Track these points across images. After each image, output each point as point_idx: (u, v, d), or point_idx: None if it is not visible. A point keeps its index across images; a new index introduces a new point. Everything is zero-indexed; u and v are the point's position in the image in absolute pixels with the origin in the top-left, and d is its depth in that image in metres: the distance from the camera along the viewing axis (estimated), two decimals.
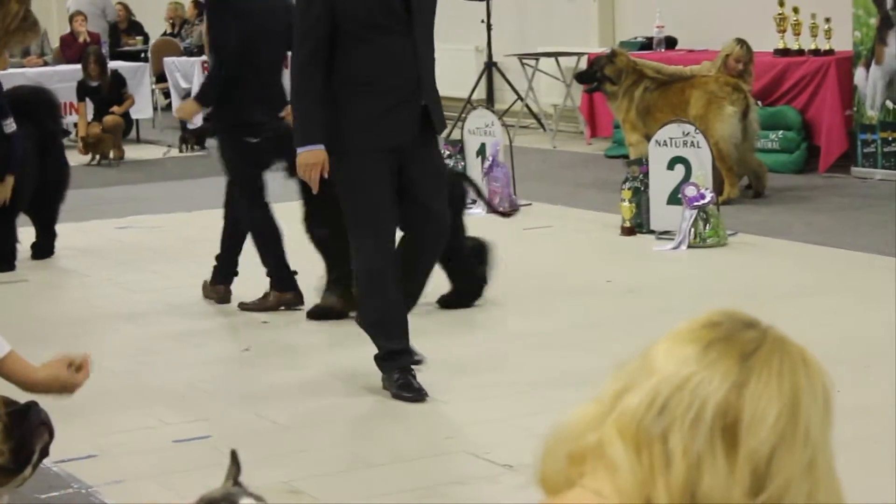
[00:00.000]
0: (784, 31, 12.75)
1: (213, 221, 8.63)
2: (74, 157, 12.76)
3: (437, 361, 6.48)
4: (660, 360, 1.73)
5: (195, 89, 13.12)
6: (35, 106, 9.88)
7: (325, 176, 6.13)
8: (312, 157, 6.12)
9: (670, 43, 14.12)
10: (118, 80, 15.20)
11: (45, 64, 16.68)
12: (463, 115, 13.15)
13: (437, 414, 6.09)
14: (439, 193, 6.33)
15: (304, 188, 6.96)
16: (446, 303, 7.80)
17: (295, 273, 7.89)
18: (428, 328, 7.05)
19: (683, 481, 1.65)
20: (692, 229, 9.39)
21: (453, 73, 14.24)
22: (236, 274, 8.12)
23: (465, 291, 7.85)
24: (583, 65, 13.97)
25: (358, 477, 5.41)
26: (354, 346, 6.74)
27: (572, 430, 1.76)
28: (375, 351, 6.24)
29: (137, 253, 9.83)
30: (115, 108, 14.93)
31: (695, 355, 1.71)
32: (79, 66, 15.25)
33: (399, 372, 6.18)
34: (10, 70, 14.27)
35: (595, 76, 11.82)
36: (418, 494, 5.18)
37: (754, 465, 1.65)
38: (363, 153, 6.11)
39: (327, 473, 5.43)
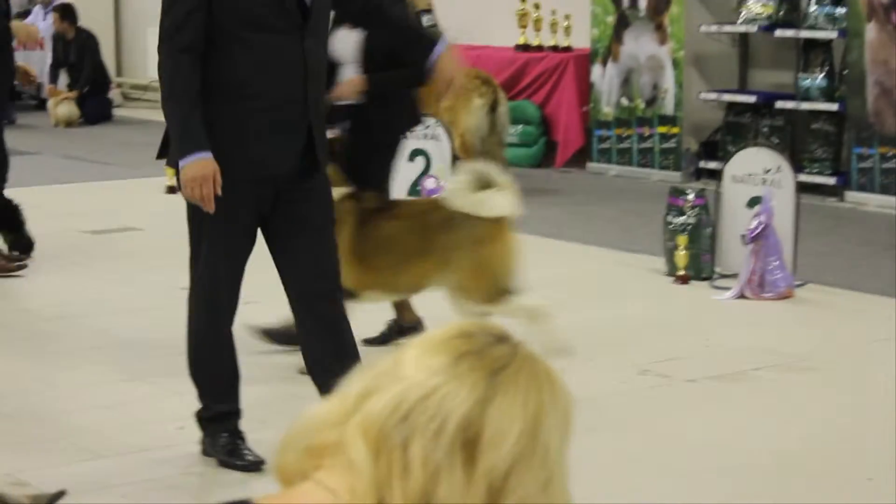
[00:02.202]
0: (525, 27, 12.99)
1: None
2: None
3: None
4: (410, 366, 1.72)
5: None
6: None
7: (219, 192, 4.97)
8: (201, 167, 4.94)
9: None
10: None
11: None
12: None
13: (165, 405, 6.00)
14: (326, 225, 5.31)
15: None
16: None
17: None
18: None
19: (420, 490, 1.65)
20: None
21: None
22: None
23: None
24: None
25: (86, 468, 5.30)
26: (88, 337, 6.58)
27: (314, 424, 1.75)
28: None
29: None
30: None
31: (445, 366, 1.70)
32: None
33: (228, 435, 5.30)
34: None
35: None
36: (148, 486, 5.11)
37: (491, 480, 1.66)
38: (231, 181, 4.99)
39: (53, 465, 5.31)
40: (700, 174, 12.03)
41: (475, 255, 6.03)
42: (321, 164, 5.22)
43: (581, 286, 8.21)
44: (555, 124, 12.74)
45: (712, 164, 11.67)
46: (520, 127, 12.60)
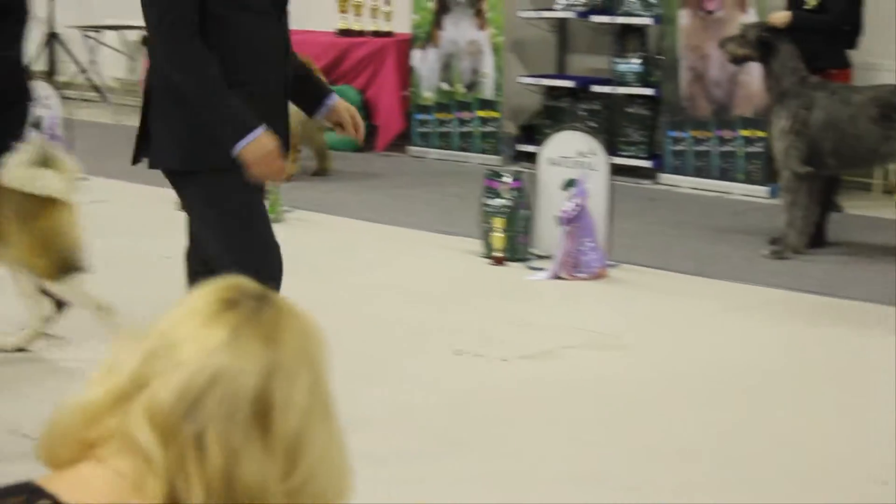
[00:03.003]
0: (346, 12, 12.99)
1: None
2: None
3: None
4: (186, 348, 1.70)
5: None
6: None
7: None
8: (261, 146, 4.74)
9: None
10: None
11: None
12: None
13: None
14: None
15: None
16: None
17: None
18: None
19: (221, 472, 1.65)
20: None
21: None
22: None
23: None
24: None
25: None
26: None
27: (87, 411, 1.72)
28: None
29: None
30: None
31: (223, 343, 1.70)
32: None
33: None
34: None
35: None
36: None
37: (287, 445, 1.67)
38: (236, 170, 4.78)
39: None
40: (519, 157, 12.18)
41: (29, 230, 6.05)
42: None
43: (400, 269, 8.27)
44: (375, 109, 12.77)
45: (531, 148, 11.79)
46: None
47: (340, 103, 5.22)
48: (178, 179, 5.01)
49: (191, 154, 4.88)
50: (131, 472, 1.67)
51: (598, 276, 8.00)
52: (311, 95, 5.23)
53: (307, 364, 1.72)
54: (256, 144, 4.72)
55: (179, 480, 1.65)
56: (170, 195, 9.72)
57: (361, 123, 5.24)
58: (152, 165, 5.03)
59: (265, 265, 4.83)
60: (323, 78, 5.25)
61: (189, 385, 1.67)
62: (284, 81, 5.00)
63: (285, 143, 4.94)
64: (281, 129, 4.92)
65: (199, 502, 1.64)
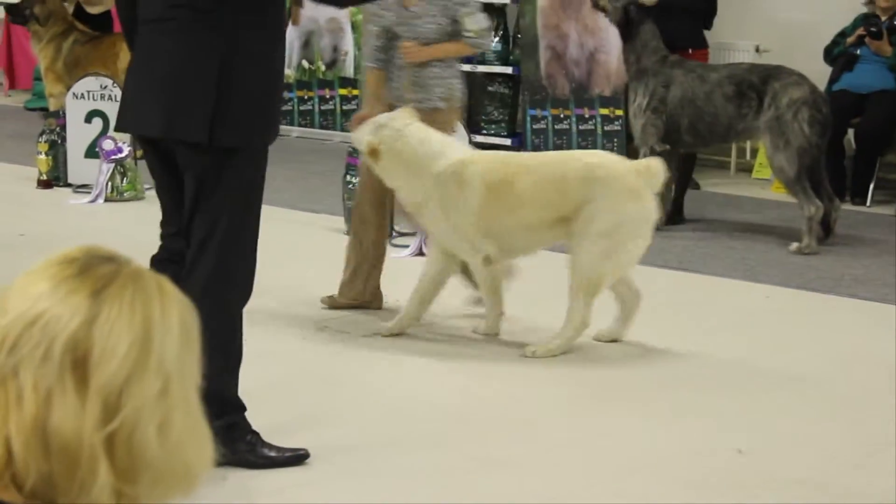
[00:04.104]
0: None
1: None
2: None
3: None
4: (14, 298, 1.73)
5: None
6: None
7: None
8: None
9: None
10: None
11: None
12: None
13: None
14: None
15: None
16: None
17: None
18: None
19: (33, 416, 1.66)
20: (109, 183, 9.38)
21: None
22: None
23: None
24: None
25: None
26: None
27: None
28: None
29: None
30: None
31: (47, 292, 1.72)
32: None
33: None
34: None
35: (24, 13, 11.68)
36: None
37: (106, 396, 1.68)
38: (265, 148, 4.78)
39: None
40: None
41: None
42: None
43: (262, 246, 8.21)
44: None
45: None
46: None
47: None
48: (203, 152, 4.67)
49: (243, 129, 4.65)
50: None
51: None
52: None
53: (138, 322, 1.72)
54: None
55: (6, 428, 1.67)
56: (32, 174, 9.66)
57: None
58: (168, 134, 4.66)
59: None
60: None
61: (9, 330, 1.70)
62: None
63: None
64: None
65: (19, 453, 1.66)
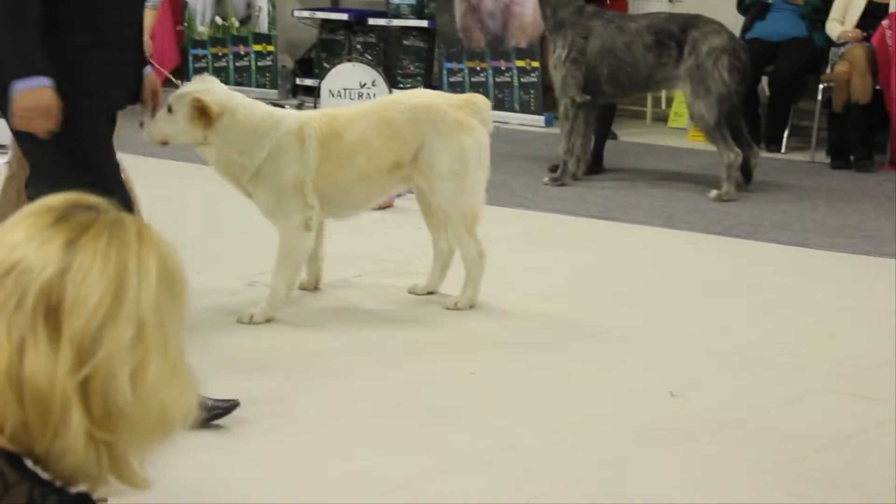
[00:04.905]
0: None
1: None
2: None
3: None
4: None
5: None
6: None
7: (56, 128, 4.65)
8: (40, 97, 4.58)
9: None
10: None
11: None
12: None
13: None
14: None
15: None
16: None
17: None
18: None
19: (7, 364, 1.68)
20: None
21: None
22: None
23: None
24: None
25: None
26: None
27: None
28: None
29: None
30: None
31: (22, 241, 1.73)
32: None
33: None
34: None
35: None
36: None
37: (78, 344, 1.69)
38: (94, 117, 4.79)
39: None
40: (297, 91, 12.14)
41: None
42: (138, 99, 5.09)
43: (189, 204, 8.20)
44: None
45: (308, 81, 11.80)
46: None
47: (150, 78, 5.17)
48: None
49: None
50: None
51: (385, 207, 8.05)
52: None
53: (110, 269, 1.73)
54: (32, 94, 4.57)
55: None
56: None
57: (160, 101, 5.29)
58: None
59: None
60: (147, 43, 5.13)
61: None
62: (138, 29, 4.97)
63: (138, 93, 5.01)
64: (133, 77, 4.96)
65: None
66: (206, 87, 6.10)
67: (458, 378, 5.41)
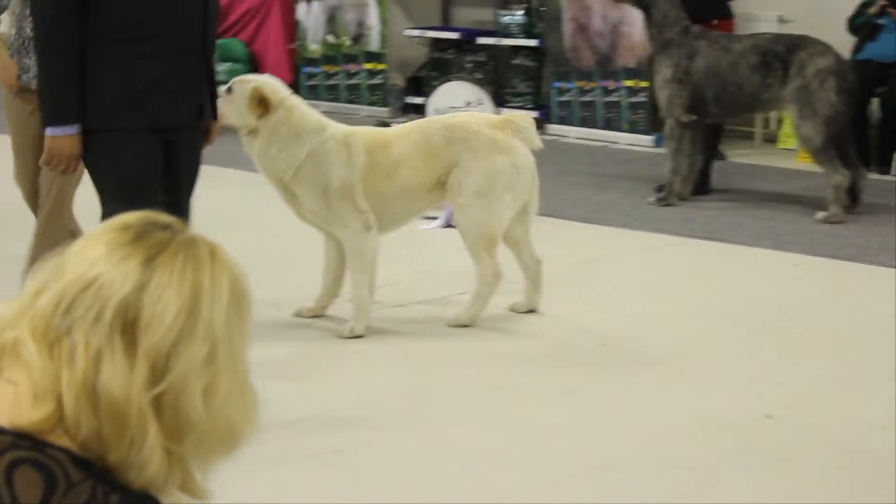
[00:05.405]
0: None
1: None
2: None
3: None
4: (71, 262, 1.81)
5: None
6: None
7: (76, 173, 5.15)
8: (68, 145, 4.78)
9: None
10: None
11: None
12: None
13: None
14: (192, 191, 5.10)
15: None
16: None
17: None
18: None
19: (82, 375, 1.74)
20: None
21: None
22: None
23: None
24: None
25: None
26: None
27: None
28: None
29: None
30: None
31: (102, 257, 1.79)
32: None
33: None
34: None
35: None
36: None
37: (154, 359, 1.76)
38: (128, 132, 4.79)
39: None
40: (407, 109, 12.25)
41: None
42: (213, 115, 5.08)
43: (293, 221, 8.29)
44: (262, 62, 12.76)
45: (418, 100, 11.89)
46: (227, 65, 12.56)
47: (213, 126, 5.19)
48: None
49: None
50: (24, 382, 1.77)
51: None
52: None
53: (188, 289, 1.79)
54: (64, 140, 4.78)
55: (60, 386, 1.75)
56: None
57: (213, 139, 5.22)
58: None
59: None
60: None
61: (65, 292, 1.78)
62: (203, 38, 4.89)
63: (206, 106, 4.98)
64: (196, 88, 4.90)
65: (70, 408, 1.74)
66: (269, 80, 6.23)
67: (554, 395, 5.45)
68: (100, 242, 1.82)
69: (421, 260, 7.43)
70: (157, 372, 1.76)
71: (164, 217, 1.88)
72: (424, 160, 6.27)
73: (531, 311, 6.56)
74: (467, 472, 4.67)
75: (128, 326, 1.76)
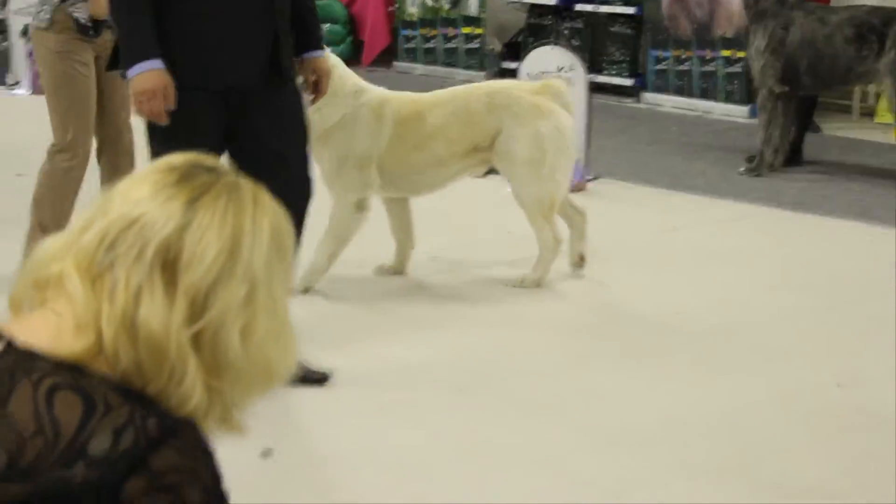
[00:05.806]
0: None
1: None
2: None
3: None
4: (117, 200, 1.89)
5: None
6: None
7: (173, 107, 4.71)
8: (152, 79, 4.66)
9: None
10: None
11: None
12: None
13: None
14: (297, 141, 5.00)
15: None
16: None
17: None
18: None
19: (122, 310, 1.82)
20: None
21: None
22: None
23: None
24: None
25: None
26: None
27: (42, 258, 1.91)
28: None
29: None
30: None
31: (146, 197, 1.87)
32: None
33: None
34: None
35: None
36: None
37: (193, 297, 1.83)
38: (190, 90, 4.73)
39: None
40: (504, 74, 12.27)
41: None
42: (288, 75, 4.93)
43: None
44: (361, 24, 12.86)
45: (515, 65, 11.90)
46: (327, 26, 12.67)
47: (317, 62, 5.13)
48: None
49: None
50: (67, 313, 1.85)
51: (576, 189, 8.13)
52: (296, 41, 5.06)
53: (228, 231, 1.85)
54: (145, 77, 4.66)
55: (100, 319, 1.83)
56: None
57: (324, 88, 5.18)
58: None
59: None
60: (319, 26, 5.19)
61: (108, 230, 1.86)
62: (270, 2, 4.83)
63: (271, 68, 4.85)
64: (260, 50, 4.83)
65: (109, 341, 1.82)
66: None
67: (625, 362, 5.50)
68: (145, 182, 1.90)
69: (508, 222, 7.48)
70: (196, 310, 1.83)
71: (209, 160, 1.95)
72: (462, 129, 6.34)
73: (582, 259, 6.62)
74: (535, 431, 4.74)
75: (168, 265, 1.83)
